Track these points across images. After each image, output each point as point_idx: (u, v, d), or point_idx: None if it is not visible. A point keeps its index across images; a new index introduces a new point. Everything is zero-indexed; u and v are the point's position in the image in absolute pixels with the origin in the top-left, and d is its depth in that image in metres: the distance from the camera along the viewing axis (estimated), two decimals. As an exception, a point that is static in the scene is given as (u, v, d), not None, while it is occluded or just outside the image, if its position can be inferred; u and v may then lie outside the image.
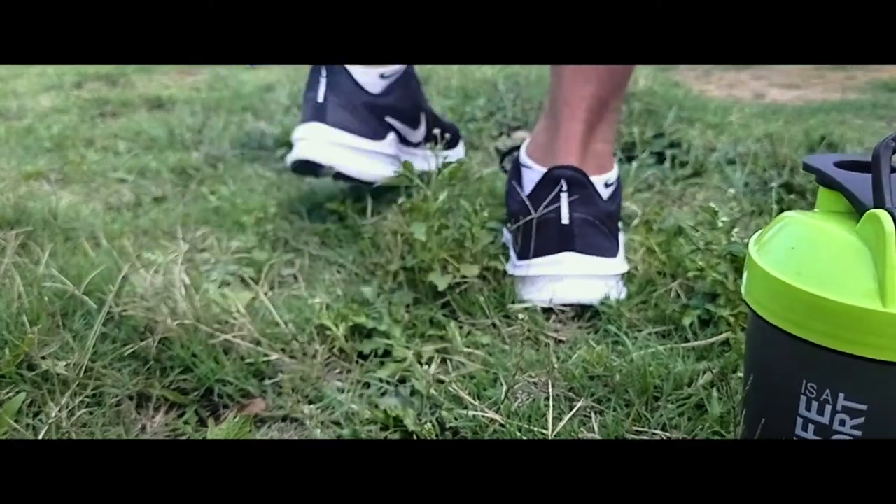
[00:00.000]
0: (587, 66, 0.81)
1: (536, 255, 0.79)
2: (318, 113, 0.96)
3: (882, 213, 0.36)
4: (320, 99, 0.97)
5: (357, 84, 0.99)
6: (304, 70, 2.52)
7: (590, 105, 0.83)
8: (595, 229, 0.80)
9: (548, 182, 0.81)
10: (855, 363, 0.36)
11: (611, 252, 0.81)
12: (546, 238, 0.79)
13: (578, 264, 0.78)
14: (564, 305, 0.77)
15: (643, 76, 2.02)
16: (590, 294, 0.77)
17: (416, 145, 1.07)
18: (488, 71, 2.10)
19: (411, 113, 1.05)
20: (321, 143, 0.94)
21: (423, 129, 1.09)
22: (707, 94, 2.07)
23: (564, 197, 0.80)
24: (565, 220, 0.79)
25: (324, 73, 0.98)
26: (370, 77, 1.00)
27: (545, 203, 0.79)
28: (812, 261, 0.38)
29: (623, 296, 0.78)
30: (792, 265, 0.38)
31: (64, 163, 1.34)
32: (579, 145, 0.83)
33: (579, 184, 0.80)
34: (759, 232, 0.44)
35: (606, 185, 0.86)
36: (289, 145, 1.40)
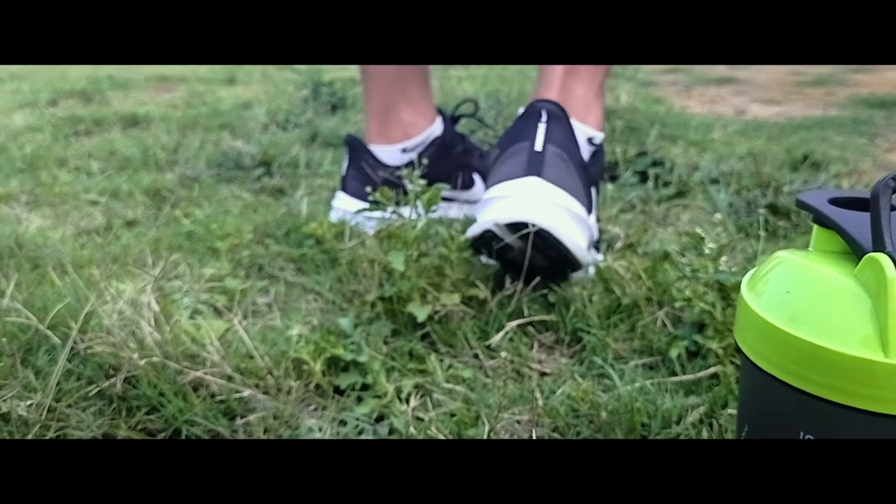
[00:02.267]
0: None
1: (502, 182, 0.75)
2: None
3: (882, 258, 0.34)
4: (342, 172, 1.05)
5: (377, 160, 1.03)
6: (283, 87, 2.50)
7: None
8: (567, 168, 0.76)
9: (529, 114, 0.78)
10: (855, 416, 0.34)
11: (582, 200, 0.76)
12: (515, 164, 0.75)
13: (541, 188, 0.73)
14: (513, 227, 0.73)
15: (625, 92, 2.01)
16: (547, 218, 0.72)
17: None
18: (469, 88, 2.09)
19: (450, 177, 1.05)
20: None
21: (479, 186, 1.08)
22: (689, 110, 2.07)
23: (542, 127, 0.76)
24: (538, 146, 0.75)
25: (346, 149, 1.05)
26: (391, 155, 1.03)
27: (521, 131, 0.77)
28: (808, 306, 0.36)
29: (599, 258, 0.75)
30: (787, 310, 0.36)
31: (35, 184, 1.31)
32: (560, 80, 0.81)
33: (559, 119, 0.77)
34: (752, 271, 0.42)
35: (589, 142, 0.83)
36: (266, 164, 1.38)
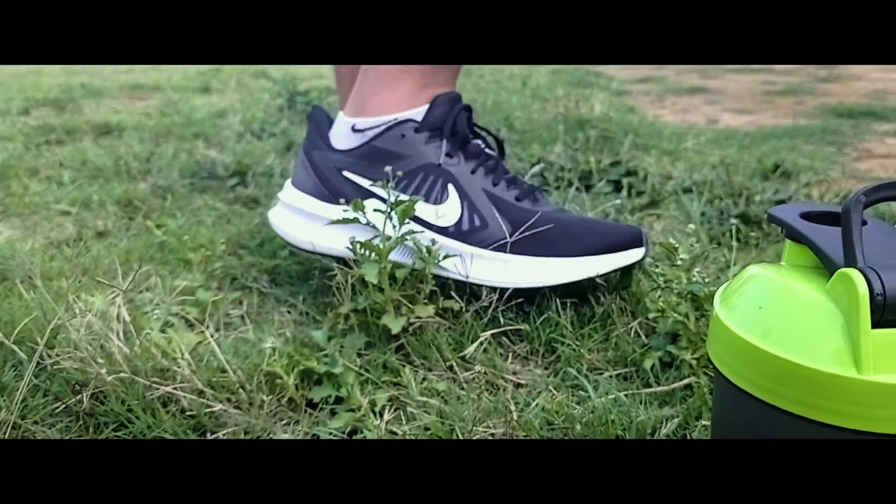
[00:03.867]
0: None
1: None
2: None
3: (854, 273, 0.34)
4: None
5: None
6: (258, 95, 2.49)
7: None
8: (306, 170, 0.85)
9: None
10: (828, 432, 0.34)
11: (323, 195, 0.83)
12: None
13: (290, 195, 0.86)
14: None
15: (598, 102, 2.02)
16: (286, 227, 0.84)
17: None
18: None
19: None
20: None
21: None
22: (661, 119, 2.09)
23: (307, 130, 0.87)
24: (299, 153, 0.87)
25: None
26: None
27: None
28: (780, 322, 0.36)
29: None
30: (759, 325, 0.36)
31: (6, 194, 1.29)
32: (344, 81, 0.90)
33: (312, 120, 0.86)
34: (725, 286, 0.42)
35: (354, 130, 0.83)
36: (241, 174, 1.37)
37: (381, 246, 0.73)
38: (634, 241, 0.78)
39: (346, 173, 0.82)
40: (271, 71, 2.97)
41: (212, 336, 0.72)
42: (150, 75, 2.98)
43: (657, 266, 0.80)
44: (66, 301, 0.72)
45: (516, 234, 0.78)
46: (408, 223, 0.75)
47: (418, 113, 0.82)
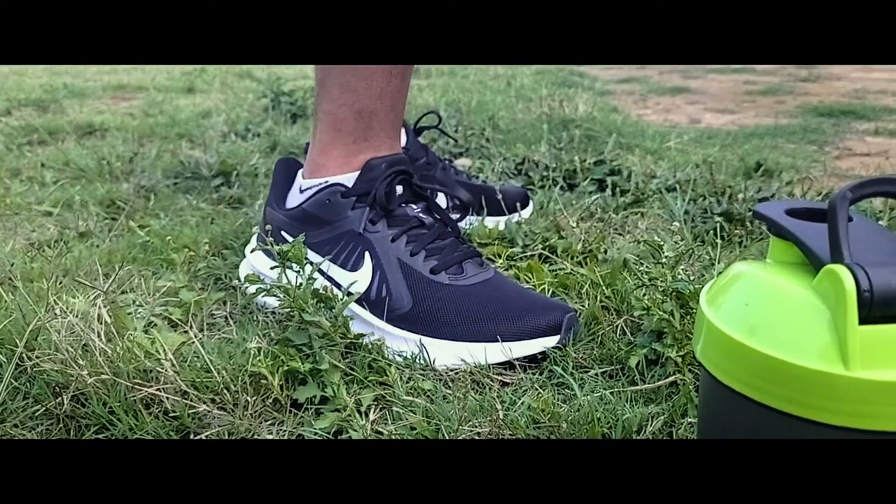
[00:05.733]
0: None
1: None
2: None
3: (841, 269, 0.34)
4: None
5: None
6: (243, 96, 2.47)
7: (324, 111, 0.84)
8: (261, 221, 0.90)
9: None
10: (816, 429, 0.34)
11: (265, 250, 0.85)
12: None
13: (251, 246, 0.90)
14: None
15: (583, 102, 2.03)
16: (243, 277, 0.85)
17: None
18: (430, 98, 2.09)
19: None
20: None
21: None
22: (645, 118, 2.09)
23: None
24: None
25: None
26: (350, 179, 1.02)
27: None
28: (767, 318, 0.36)
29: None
30: (745, 322, 0.36)
31: (-14, 195, 1.28)
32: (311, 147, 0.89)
33: (275, 172, 0.90)
34: (711, 283, 0.42)
35: (300, 190, 0.85)
36: (225, 174, 1.36)
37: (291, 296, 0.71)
38: (549, 328, 0.72)
39: (282, 233, 0.84)
40: (255, 71, 2.96)
41: (195, 336, 0.71)
42: (133, 76, 2.96)
43: (642, 264, 0.80)
44: (46, 302, 0.71)
45: (410, 310, 0.75)
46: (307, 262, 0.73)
47: (350, 178, 0.81)
